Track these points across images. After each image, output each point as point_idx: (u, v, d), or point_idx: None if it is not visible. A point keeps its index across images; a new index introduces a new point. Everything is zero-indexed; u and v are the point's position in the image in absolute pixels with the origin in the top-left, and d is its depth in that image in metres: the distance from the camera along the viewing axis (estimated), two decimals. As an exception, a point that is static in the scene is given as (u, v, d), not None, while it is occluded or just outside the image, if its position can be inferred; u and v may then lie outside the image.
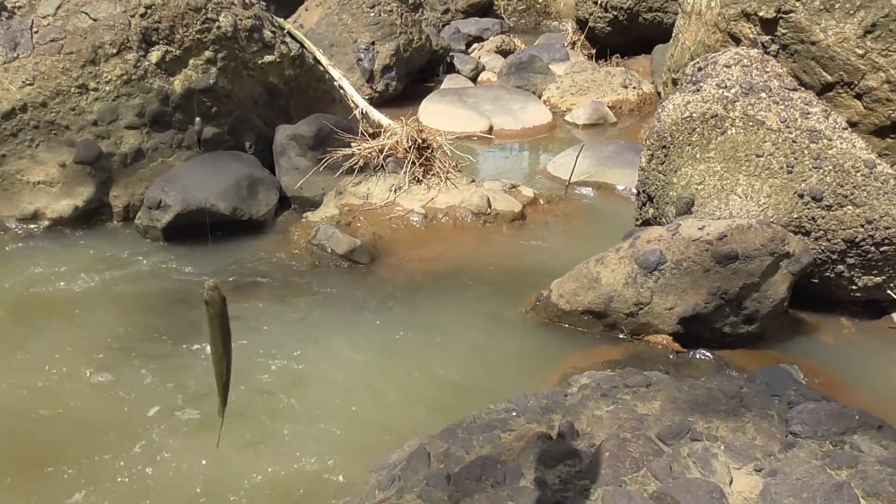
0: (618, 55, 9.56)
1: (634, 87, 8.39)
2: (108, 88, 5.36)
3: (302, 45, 6.89)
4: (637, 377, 2.62)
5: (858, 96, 4.34)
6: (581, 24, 10.25)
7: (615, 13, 9.56)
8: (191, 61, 5.68)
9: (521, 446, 2.19)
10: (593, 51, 9.99)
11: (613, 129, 7.80)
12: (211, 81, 5.74)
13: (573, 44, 10.34)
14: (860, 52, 4.23)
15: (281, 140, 5.73)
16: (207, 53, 5.75)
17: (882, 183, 3.72)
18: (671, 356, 3.72)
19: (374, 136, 5.74)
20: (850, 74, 4.30)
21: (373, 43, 8.43)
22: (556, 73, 8.93)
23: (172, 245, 5.02)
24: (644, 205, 4.59)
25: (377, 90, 8.37)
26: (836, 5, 4.24)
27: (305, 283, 4.55)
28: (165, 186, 5.14)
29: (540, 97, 8.45)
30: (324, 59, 7.26)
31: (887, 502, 1.61)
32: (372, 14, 8.63)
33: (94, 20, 5.46)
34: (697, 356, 3.74)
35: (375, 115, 6.68)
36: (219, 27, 5.80)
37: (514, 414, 2.52)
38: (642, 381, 2.58)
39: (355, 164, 5.47)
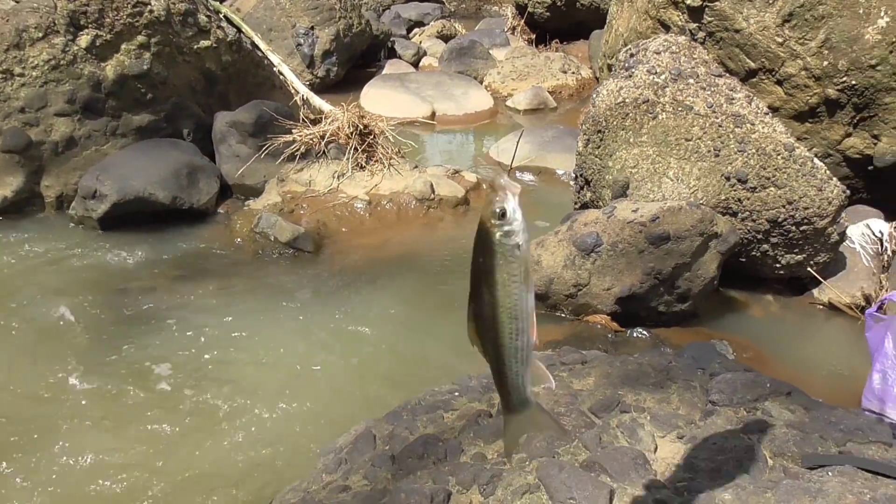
0: (557, 40, 9.71)
1: (573, 73, 8.55)
2: (35, 74, 5.18)
3: (239, 30, 6.79)
4: (573, 355, 2.74)
5: (779, 82, 4.56)
6: (520, 9, 10.35)
7: (554, -2, 9.71)
8: (123, 46, 5.53)
9: (462, 424, 2.28)
10: (533, 36, 10.11)
11: (553, 114, 7.95)
12: (145, 67, 5.61)
13: (513, 29, 10.44)
14: (779, 39, 4.44)
15: (220, 127, 5.65)
16: (140, 38, 5.61)
17: (800, 166, 3.93)
18: (610, 335, 3.86)
19: (315, 122, 5.71)
20: (770, 61, 4.51)
21: (312, 28, 8.35)
22: (497, 59, 9.02)
23: (109, 235, 4.92)
24: (582, 188, 4.73)
25: (318, 76, 8.30)
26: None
27: (249, 272, 4.54)
28: (100, 175, 5.02)
29: (481, 82, 8.53)
30: (262, 45, 7.17)
31: (791, 461, 1.76)
32: (311, -2, 8.53)
33: (17, 2, 5.27)
34: (635, 335, 3.90)
35: (316, 100, 6.65)
36: (151, 11, 5.66)
37: (456, 394, 2.61)
38: (578, 358, 2.71)
39: (297, 150, 5.44)
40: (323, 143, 5.49)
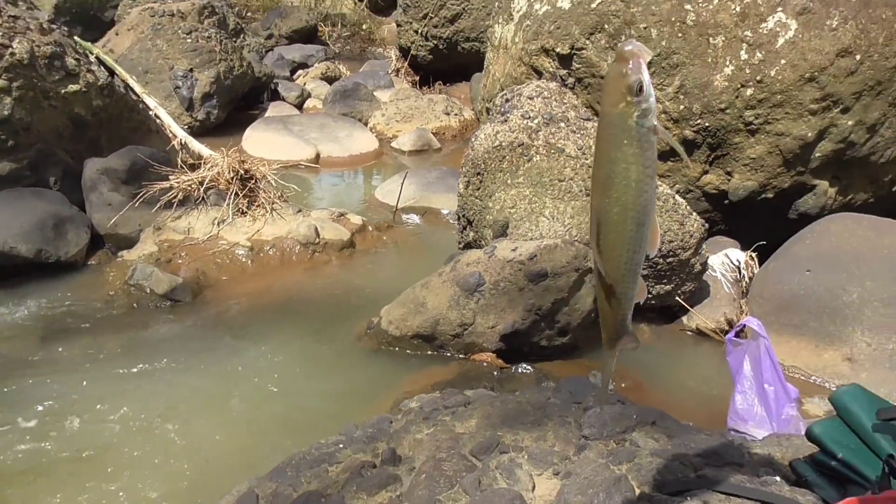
0: (440, 82, 9.97)
1: (456, 114, 8.79)
2: None
3: (112, 73, 6.53)
4: (457, 397, 2.77)
5: (642, 125, 4.90)
6: (404, 51, 10.57)
7: (435, 42, 9.98)
8: (-20, 91, 5.19)
9: (346, 478, 2.25)
10: (417, 78, 10.33)
11: (438, 155, 8.11)
12: (6, 112, 5.28)
13: (397, 71, 10.63)
14: (640, 86, 4.78)
15: (90, 175, 5.38)
16: (0, 82, 5.29)
17: (664, 202, 4.22)
18: (496, 372, 3.94)
19: (194, 167, 5.55)
20: (633, 106, 4.84)
21: (191, 70, 8.15)
22: (382, 100, 9.14)
23: (-36, 294, 4.55)
24: (465, 228, 4.84)
25: (198, 119, 8.09)
26: (618, 45, 4.76)
27: (123, 327, 4.30)
28: (-47, 230, 4.65)
29: (366, 124, 8.60)
30: (137, 87, 6.93)
31: (654, 489, 1.86)
32: (189, 40, 8.35)
33: None
34: (519, 370, 3.99)
35: (195, 145, 6.47)
36: (13, 54, 5.35)
37: (341, 446, 2.58)
38: (462, 400, 2.75)
39: (174, 197, 5.26)
40: (202, 189, 5.34)
